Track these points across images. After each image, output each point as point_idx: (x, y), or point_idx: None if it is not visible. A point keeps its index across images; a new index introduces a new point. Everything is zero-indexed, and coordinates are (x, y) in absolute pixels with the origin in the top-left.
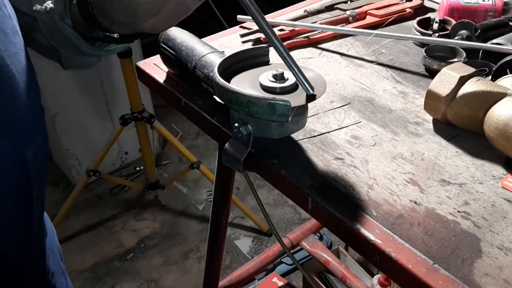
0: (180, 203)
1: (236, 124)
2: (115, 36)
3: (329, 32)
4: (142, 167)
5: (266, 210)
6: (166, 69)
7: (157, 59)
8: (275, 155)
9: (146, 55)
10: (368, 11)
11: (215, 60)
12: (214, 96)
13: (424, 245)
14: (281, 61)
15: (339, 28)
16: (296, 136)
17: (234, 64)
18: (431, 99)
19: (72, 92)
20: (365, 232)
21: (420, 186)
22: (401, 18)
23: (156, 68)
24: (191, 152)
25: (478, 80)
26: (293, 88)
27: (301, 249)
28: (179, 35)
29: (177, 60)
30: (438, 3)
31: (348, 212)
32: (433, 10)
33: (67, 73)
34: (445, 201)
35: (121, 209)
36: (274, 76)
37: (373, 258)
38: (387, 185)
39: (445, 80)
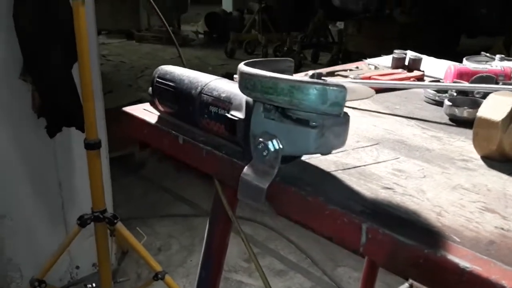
0: None
1: (260, 139)
2: None
3: None
4: (94, 284)
5: None
6: (157, 113)
7: (145, 105)
8: (305, 183)
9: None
10: (372, 76)
11: (225, 84)
12: (227, 114)
13: None
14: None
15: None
16: (327, 167)
17: None
18: (482, 127)
19: (23, 192)
20: (455, 259)
21: (500, 214)
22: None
23: (146, 112)
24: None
25: None
26: None
27: None
28: (177, 69)
29: (176, 92)
30: (436, 78)
31: (422, 239)
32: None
33: (21, 172)
34: None
35: None
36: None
37: None
38: (459, 212)
39: (497, 104)
